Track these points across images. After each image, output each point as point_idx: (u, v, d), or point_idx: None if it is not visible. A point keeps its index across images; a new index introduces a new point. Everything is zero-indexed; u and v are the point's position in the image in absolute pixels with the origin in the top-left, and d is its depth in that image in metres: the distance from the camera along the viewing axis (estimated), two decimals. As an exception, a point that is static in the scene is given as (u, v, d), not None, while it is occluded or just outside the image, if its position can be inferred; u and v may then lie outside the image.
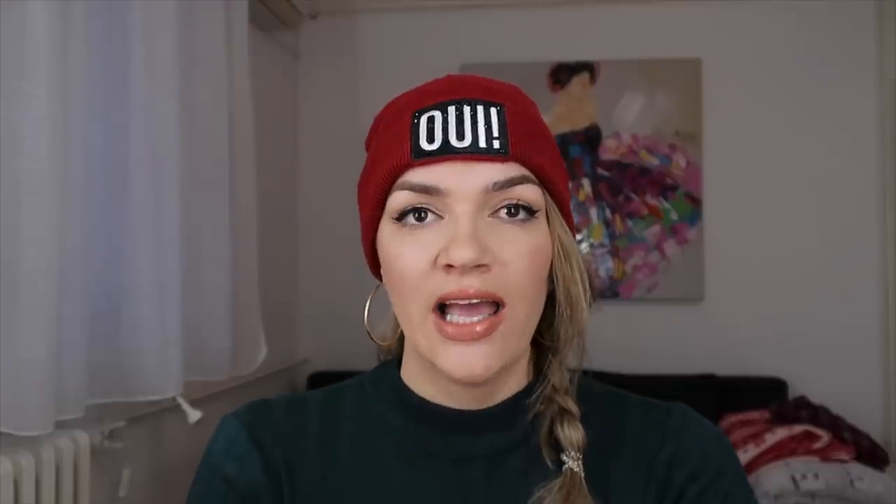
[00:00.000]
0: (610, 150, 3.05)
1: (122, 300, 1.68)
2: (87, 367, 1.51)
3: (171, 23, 1.77)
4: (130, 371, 1.67)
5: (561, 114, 3.07)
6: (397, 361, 0.70)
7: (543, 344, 0.65)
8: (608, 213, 3.05)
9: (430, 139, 0.58)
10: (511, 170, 0.58)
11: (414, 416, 0.66)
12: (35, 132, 1.35)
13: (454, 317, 0.58)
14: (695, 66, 3.02)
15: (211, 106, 2.00)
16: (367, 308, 0.68)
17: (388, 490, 0.63)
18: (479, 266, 0.56)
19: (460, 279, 0.57)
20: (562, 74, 3.08)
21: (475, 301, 0.57)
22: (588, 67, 3.07)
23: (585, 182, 3.06)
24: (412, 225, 0.59)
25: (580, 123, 3.07)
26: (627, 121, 3.05)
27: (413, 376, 0.67)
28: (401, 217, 0.60)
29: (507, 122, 0.59)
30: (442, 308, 0.59)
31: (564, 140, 3.07)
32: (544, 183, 0.61)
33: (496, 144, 0.58)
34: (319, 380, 2.93)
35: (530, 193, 0.59)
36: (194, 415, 1.80)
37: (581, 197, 3.06)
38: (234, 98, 2.13)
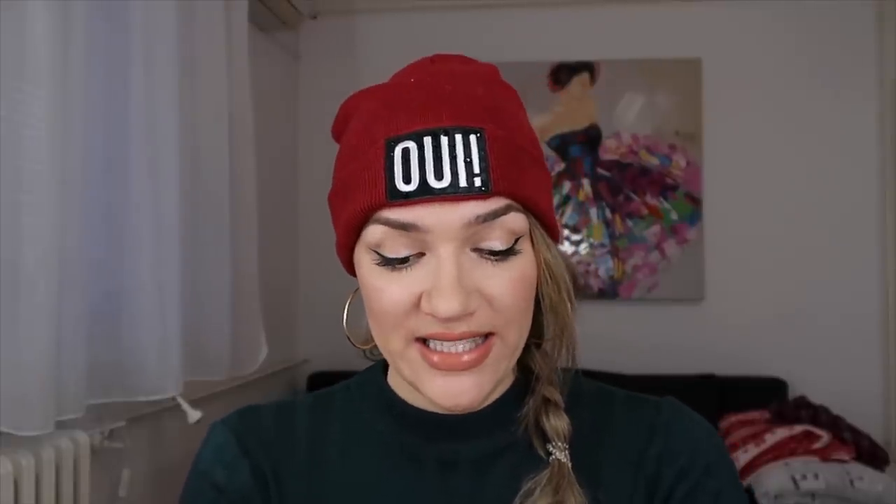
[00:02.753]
0: (610, 150, 3.05)
1: (123, 300, 1.68)
2: (87, 367, 1.51)
3: (171, 23, 1.77)
4: (130, 371, 1.67)
5: (561, 114, 3.07)
6: (383, 365, 0.69)
7: (529, 340, 0.64)
8: (608, 213, 3.05)
9: (407, 179, 0.54)
10: (494, 203, 0.55)
11: (399, 421, 0.65)
12: (35, 132, 1.35)
13: (439, 345, 0.57)
14: (695, 66, 3.02)
15: (211, 106, 2.00)
16: (345, 312, 0.66)
17: (374, 496, 0.63)
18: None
19: (445, 323, 0.55)
20: (562, 74, 3.08)
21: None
22: (588, 67, 3.07)
23: (585, 182, 3.06)
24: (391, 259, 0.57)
25: (580, 123, 3.07)
26: (627, 121, 3.05)
27: (398, 381, 0.66)
28: (378, 250, 0.57)
29: (488, 152, 0.55)
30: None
31: (564, 140, 3.07)
32: (529, 206, 0.58)
33: (477, 182, 0.54)
34: (319, 380, 2.93)
35: (513, 222, 0.56)
36: (194, 415, 1.80)
37: (581, 197, 3.06)
38: (234, 98, 2.13)
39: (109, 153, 1.66)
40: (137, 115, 1.68)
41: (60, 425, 1.44)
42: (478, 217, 0.54)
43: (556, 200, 3.05)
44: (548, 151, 3.06)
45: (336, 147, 0.64)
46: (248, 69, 2.23)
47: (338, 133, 0.64)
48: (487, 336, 0.57)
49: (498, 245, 0.56)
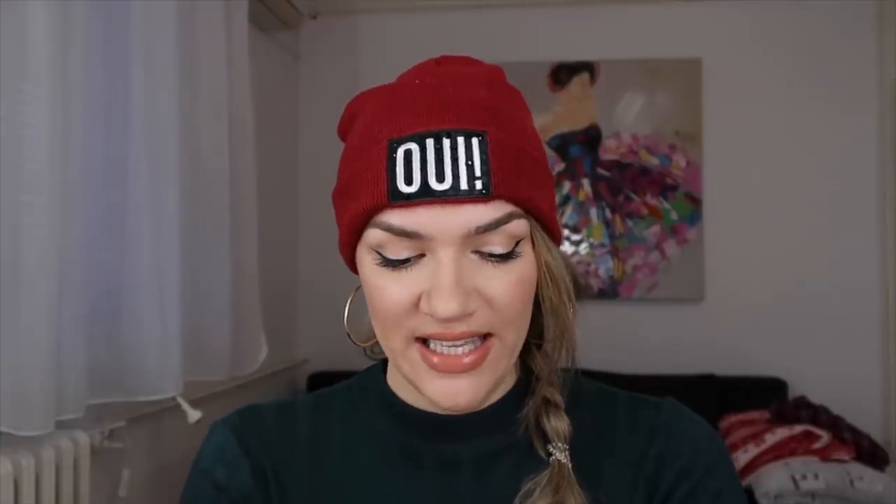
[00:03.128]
0: (610, 150, 3.05)
1: (123, 300, 1.68)
2: (87, 367, 1.51)
3: (171, 23, 1.77)
4: (130, 371, 1.67)
5: (561, 114, 3.07)
6: (383, 364, 0.69)
7: (529, 341, 0.64)
8: (608, 213, 3.05)
9: (409, 180, 0.54)
10: (495, 210, 0.55)
11: (399, 421, 0.65)
12: (35, 132, 1.35)
13: (439, 346, 0.57)
14: (695, 66, 3.02)
15: (211, 106, 2.00)
16: (346, 311, 0.66)
17: (375, 496, 0.63)
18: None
19: (444, 323, 0.56)
20: (562, 74, 3.08)
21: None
22: (588, 67, 3.07)
23: (585, 182, 3.06)
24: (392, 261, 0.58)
25: (580, 123, 3.07)
26: (627, 121, 3.05)
27: (398, 382, 0.66)
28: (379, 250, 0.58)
29: (490, 156, 0.55)
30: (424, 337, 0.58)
31: (564, 140, 3.07)
32: (530, 209, 0.58)
33: (478, 185, 0.54)
34: (319, 380, 2.93)
35: (514, 228, 0.56)
36: (194, 415, 1.80)
37: (581, 197, 3.06)
38: (234, 98, 2.13)
39: (109, 153, 1.66)
40: (137, 115, 1.68)
41: (60, 425, 1.44)
42: (478, 227, 0.55)
43: (556, 201, 3.05)
44: (548, 151, 3.06)
45: (339, 146, 0.64)
46: (248, 69, 2.23)
47: (343, 132, 0.65)
48: (486, 337, 0.58)
49: (499, 249, 0.57)
